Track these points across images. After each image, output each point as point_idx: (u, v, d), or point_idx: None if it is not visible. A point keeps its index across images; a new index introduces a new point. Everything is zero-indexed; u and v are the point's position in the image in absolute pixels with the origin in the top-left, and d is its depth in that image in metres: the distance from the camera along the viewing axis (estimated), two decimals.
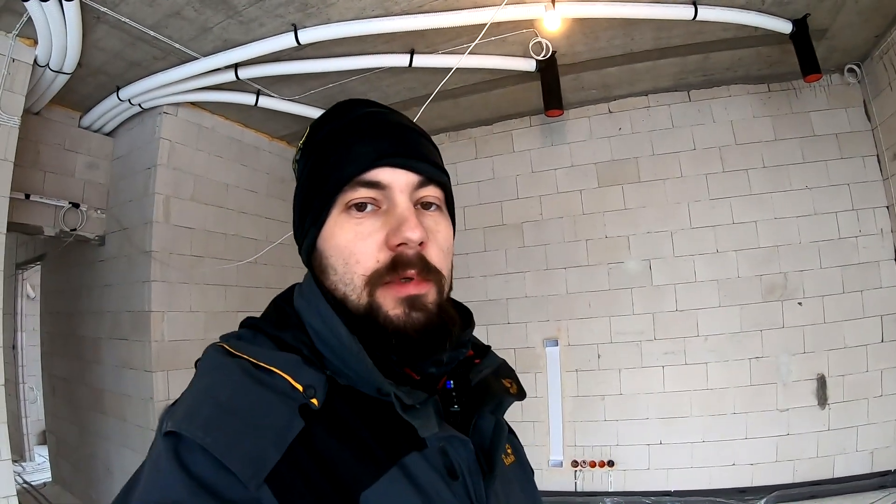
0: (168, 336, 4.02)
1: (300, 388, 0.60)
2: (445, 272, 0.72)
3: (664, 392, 4.29)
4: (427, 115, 4.45)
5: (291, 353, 0.65)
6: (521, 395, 0.83)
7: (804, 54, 3.52)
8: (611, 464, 4.34)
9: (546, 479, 4.52)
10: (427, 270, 0.68)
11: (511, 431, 0.85)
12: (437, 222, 0.73)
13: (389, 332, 0.65)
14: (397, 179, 0.69)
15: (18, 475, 5.39)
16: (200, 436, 0.53)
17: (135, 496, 0.53)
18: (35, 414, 6.02)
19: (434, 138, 3.31)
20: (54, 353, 5.21)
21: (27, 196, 3.97)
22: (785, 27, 3.49)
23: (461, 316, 0.77)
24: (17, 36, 3.31)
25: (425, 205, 0.73)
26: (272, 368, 0.61)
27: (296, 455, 0.55)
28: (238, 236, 4.65)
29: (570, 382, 4.58)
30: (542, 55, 3.71)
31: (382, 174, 0.69)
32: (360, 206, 0.69)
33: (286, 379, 0.61)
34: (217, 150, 4.57)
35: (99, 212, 4.45)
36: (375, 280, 0.66)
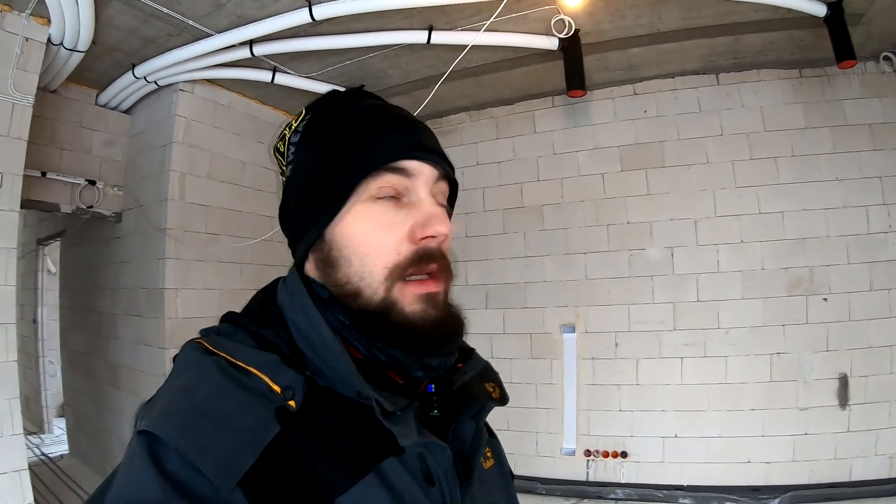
0: (182, 313, 4.04)
1: (278, 389, 0.58)
2: (453, 271, 0.72)
3: (682, 384, 4.22)
4: (448, 94, 4.40)
5: (271, 351, 0.63)
6: (503, 399, 0.80)
7: (839, 39, 3.38)
8: (624, 455, 4.29)
9: (558, 468, 4.50)
10: (447, 266, 0.69)
11: (492, 434, 0.86)
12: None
13: (406, 329, 0.65)
14: (422, 170, 0.69)
15: (37, 447, 5.51)
16: (174, 437, 0.52)
17: (110, 495, 0.52)
18: (55, 387, 6.13)
19: (455, 117, 4.13)
20: (73, 328, 5.30)
21: (43, 174, 4.00)
22: (819, 10, 3.34)
23: None
24: (30, 15, 3.30)
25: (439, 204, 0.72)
26: (250, 368, 0.60)
27: (271, 459, 0.54)
28: (254, 214, 4.63)
29: (587, 370, 4.52)
30: (564, 33, 3.62)
31: (411, 164, 0.68)
32: (382, 197, 0.67)
33: (264, 380, 0.59)
34: (234, 128, 4.55)
35: (116, 189, 4.48)
36: (397, 274, 0.65)
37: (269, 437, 0.54)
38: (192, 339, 0.66)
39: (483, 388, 0.78)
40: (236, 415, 0.55)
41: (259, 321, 0.68)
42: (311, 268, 0.72)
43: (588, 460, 4.41)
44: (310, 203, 0.69)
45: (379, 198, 0.67)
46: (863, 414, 3.81)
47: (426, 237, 0.66)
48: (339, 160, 0.68)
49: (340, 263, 0.67)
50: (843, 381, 3.85)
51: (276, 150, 0.77)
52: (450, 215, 0.77)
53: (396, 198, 0.68)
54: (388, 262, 0.65)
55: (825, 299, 3.95)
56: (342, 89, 0.78)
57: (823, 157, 4.04)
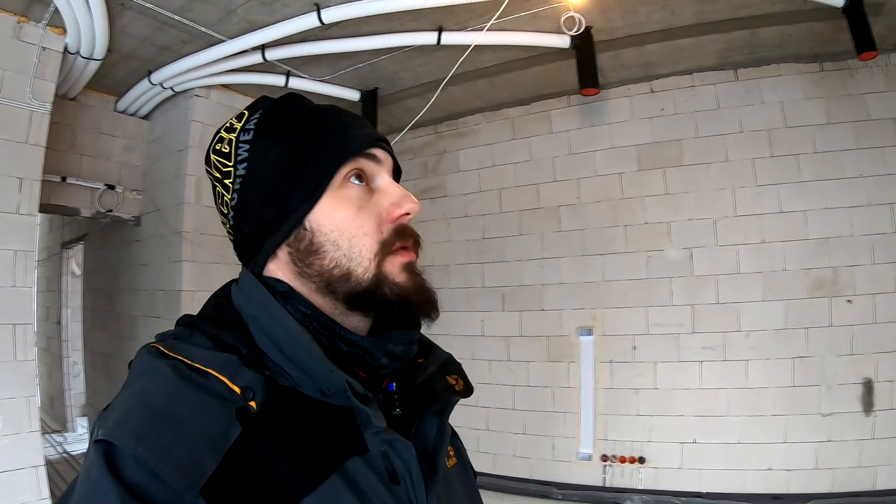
0: None
1: (237, 390, 0.57)
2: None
3: (701, 388, 4.12)
4: (463, 95, 4.38)
5: (229, 352, 0.62)
6: (467, 391, 0.80)
7: (858, 30, 3.26)
8: (641, 460, 4.21)
9: (574, 473, 4.45)
10: (418, 242, 0.73)
11: (454, 434, 0.85)
12: None
13: (401, 298, 0.68)
14: (387, 159, 0.74)
15: (60, 445, 5.64)
16: (132, 445, 0.50)
17: None
18: (78, 387, 6.27)
19: (470, 119, 4.34)
20: (95, 329, 5.42)
21: (63, 179, 4.11)
22: (837, 0, 3.23)
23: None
24: (46, 25, 3.41)
25: None
26: (208, 370, 0.59)
27: (233, 462, 0.53)
28: None
29: (604, 374, 4.45)
30: (575, 30, 3.57)
31: (379, 153, 0.73)
32: (354, 182, 0.70)
33: (223, 381, 0.58)
34: None
35: (135, 193, 4.59)
36: (386, 250, 0.69)
37: (231, 440, 0.54)
38: (148, 344, 0.65)
39: (445, 381, 0.78)
40: (195, 417, 0.54)
41: (215, 322, 0.67)
42: (278, 264, 0.71)
43: (605, 465, 4.34)
44: (284, 194, 0.68)
45: (351, 182, 0.70)
46: (888, 420, 3.67)
47: (403, 214, 0.71)
48: (318, 148, 0.70)
49: (327, 248, 0.68)
50: (868, 386, 3.71)
51: (218, 152, 0.73)
52: None
53: (366, 183, 0.72)
54: (376, 240, 0.69)
55: (849, 301, 3.81)
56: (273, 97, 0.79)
57: (846, 153, 3.90)
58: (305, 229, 0.68)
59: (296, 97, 0.77)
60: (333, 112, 0.75)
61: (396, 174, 0.78)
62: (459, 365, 0.84)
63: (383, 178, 0.73)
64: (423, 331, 0.79)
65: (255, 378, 0.59)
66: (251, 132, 0.72)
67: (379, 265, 0.68)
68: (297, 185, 0.68)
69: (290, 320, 0.64)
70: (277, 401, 0.60)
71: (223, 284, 0.75)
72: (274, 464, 0.56)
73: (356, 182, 0.70)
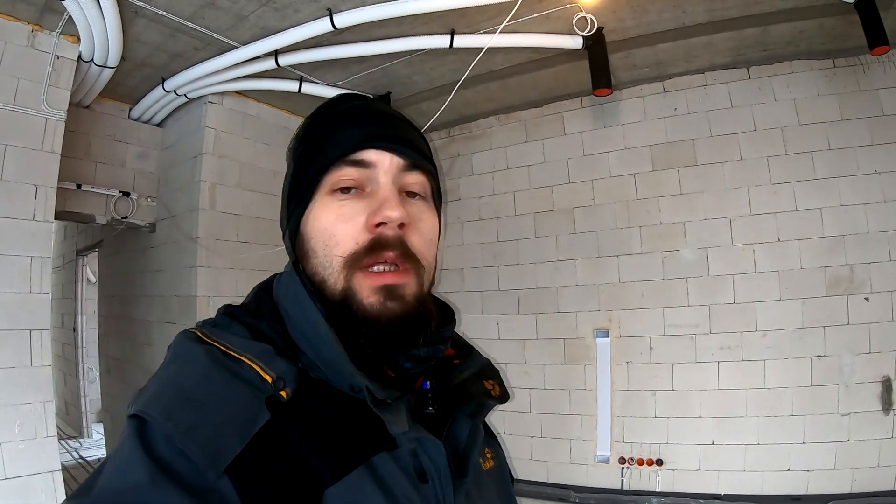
0: None
1: (270, 378, 0.59)
2: (427, 264, 0.71)
3: (719, 389, 4.09)
4: (475, 98, 4.39)
5: (265, 342, 0.63)
6: (503, 397, 0.80)
7: (870, 24, 3.23)
8: (659, 462, 4.19)
9: (591, 476, 4.42)
10: (406, 255, 0.67)
11: (493, 436, 0.86)
12: (422, 210, 0.73)
13: (361, 321, 0.65)
14: (382, 160, 0.69)
15: (76, 451, 5.68)
16: (161, 421, 0.53)
17: (100, 480, 0.52)
18: (94, 393, 6.32)
19: (483, 122, 4.06)
20: (110, 335, 5.46)
21: (78, 186, 4.15)
22: None
23: (442, 312, 0.76)
24: (60, 34, 3.44)
25: (410, 194, 0.72)
26: (242, 357, 0.60)
27: (259, 447, 0.54)
28: None
29: (621, 376, 4.43)
30: (587, 31, 3.57)
31: (369, 154, 0.69)
32: (345, 189, 0.69)
33: (255, 369, 0.60)
34: (263, 138, 4.64)
35: (149, 200, 4.63)
36: (353, 262, 0.66)
37: (258, 426, 0.55)
38: (187, 329, 0.67)
39: (482, 385, 0.78)
40: (224, 402, 0.56)
41: (254, 313, 0.69)
42: (298, 260, 0.73)
43: (622, 468, 4.31)
44: (290, 199, 0.73)
45: (338, 189, 0.68)
46: None
47: (379, 224, 0.66)
48: (307, 157, 0.72)
49: (310, 255, 0.69)
50: (887, 385, 3.67)
51: (287, 157, 0.80)
52: (438, 210, 0.77)
53: (360, 189, 0.69)
54: (346, 250, 0.66)
55: (867, 299, 3.77)
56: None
57: (861, 149, 3.87)
58: (301, 234, 0.71)
59: (334, 101, 0.78)
60: (338, 114, 0.74)
61: (416, 165, 0.73)
62: (498, 371, 0.84)
63: (377, 180, 0.69)
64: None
65: (288, 368, 0.61)
66: (295, 139, 0.78)
67: (347, 279, 0.66)
68: (295, 193, 0.72)
69: (319, 317, 0.64)
70: (309, 392, 0.61)
71: (268, 277, 0.77)
72: (300, 452, 0.57)
73: (341, 193, 0.68)
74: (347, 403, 0.63)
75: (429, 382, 0.74)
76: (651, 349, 4.34)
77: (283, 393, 0.58)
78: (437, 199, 0.79)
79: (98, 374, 5.93)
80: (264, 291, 0.74)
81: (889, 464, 3.63)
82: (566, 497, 4.34)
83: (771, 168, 4.08)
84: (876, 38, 3.23)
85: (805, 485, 3.77)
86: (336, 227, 0.67)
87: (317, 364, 0.64)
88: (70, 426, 6.45)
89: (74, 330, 6.38)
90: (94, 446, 5.92)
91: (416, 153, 0.72)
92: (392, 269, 0.66)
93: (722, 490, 3.97)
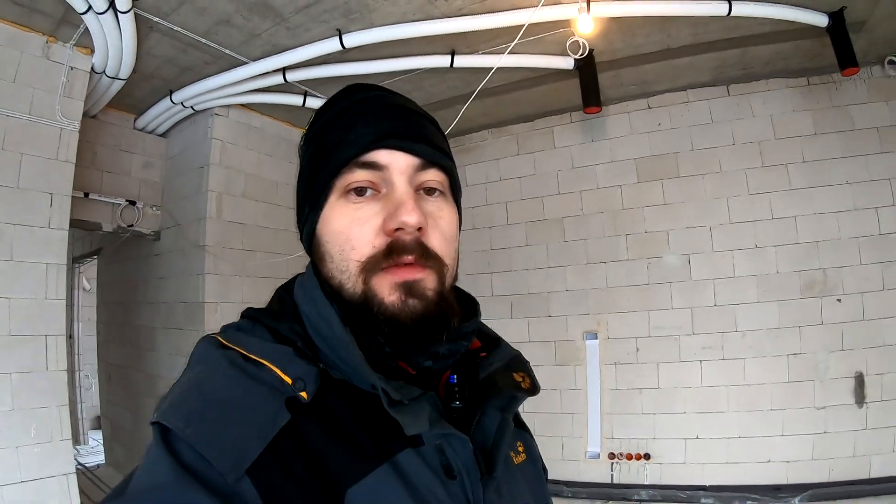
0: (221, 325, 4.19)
1: (289, 380, 0.59)
2: (448, 260, 0.69)
3: (701, 387, 4.30)
4: (471, 113, 4.53)
5: (286, 344, 0.63)
6: (534, 389, 0.77)
7: (841, 48, 3.48)
8: (647, 457, 4.38)
9: (583, 471, 4.59)
10: (426, 257, 0.65)
11: (525, 429, 0.83)
12: (440, 208, 0.70)
13: (382, 320, 0.63)
14: (396, 161, 0.66)
15: (74, 457, 5.67)
16: (181, 427, 0.53)
17: (132, 482, 0.53)
18: (90, 400, 6.29)
19: (477, 135, 4.15)
20: (110, 342, 5.48)
21: (86, 194, 4.20)
22: (821, 20, 3.45)
23: (465, 306, 0.74)
24: (74, 45, 3.51)
25: (428, 190, 0.69)
26: (261, 360, 0.61)
27: (280, 448, 0.54)
28: (287, 231, 4.79)
29: (609, 375, 4.63)
30: (579, 54, 3.75)
31: (380, 155, 0.66)
32: (360, 191, 0.66)
33: (274, 371, 0.60)
34: (266, 149, 4.75)
35: (154, 208, 4.68)
36: (371, 267, 0.64)
37: (278, 427, 0.55)
38: (208, 335, 0.67)
39: (511, 378, 0.75)
40: (244, 405, 0.56)
41: (275, 315, 0.69)
42: (315, 263, 0.72)
43: (612, 463, 4.50)
44: (305, 200, 0.71)
45: (352, 191, 0.66)
46: (880, 411, 3.86)
47: (397, 229, 0.63)
48: (319, 158, 0.69)
49: (326, 258, 0.67)
50: (860, 380, 3.90)
51: (298, 152, 0.78)
52: (458, 205, 0.76)
53: (375, 190, 0.66)
54: (363, 255, 0.64)
55: (839, 300, 4.02)
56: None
57: (833, 161, 4.12)
58: (316, 237, 0.70)
59: (343, 93, 0.74)
60: (348, 111, 0.70)
61: (433, 162, 0.69)
62: (527, 363, 0.81)
63: (391, 181, 0.66)
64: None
65: (308, 369, 0.60)
66: (304, 137, 0.76)
67: (366, 282, 0.64)
68: (309, 194, 0.70)
69: (336, 319, 0.63)
70: (330, 392, 0.61)
71: (291, 277, 0.76)
72: (322, 452, 0.57)
73: (355, 195, 0.66)
74: (370, 402, 0.61)
75: (454, 376, 0.71)
76: (638, 350, 4.55)
77: (303, 394, 0.58)
78: (455, 190, 0.76)
79: (95, 381, 5.91)
80: (286, 293, 0.72)
81: (864, 453, 3.85)
82: (559, 492, 4.50)
83: (749, 179, 4.34)
84: (846, 61, 3.49)
85: (785, 475, 3.99)
86: (352, 230, 0.65)
87: (338, 364, 0.63)
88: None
89: (70, 337, 6.35)
90: (91, 453, 5.89)
91: (433, 149, 0.69)
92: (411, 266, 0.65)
93: (707, 481, 4.18)
